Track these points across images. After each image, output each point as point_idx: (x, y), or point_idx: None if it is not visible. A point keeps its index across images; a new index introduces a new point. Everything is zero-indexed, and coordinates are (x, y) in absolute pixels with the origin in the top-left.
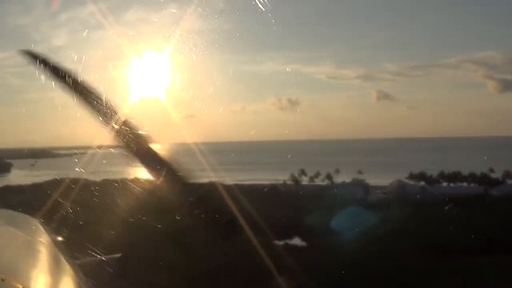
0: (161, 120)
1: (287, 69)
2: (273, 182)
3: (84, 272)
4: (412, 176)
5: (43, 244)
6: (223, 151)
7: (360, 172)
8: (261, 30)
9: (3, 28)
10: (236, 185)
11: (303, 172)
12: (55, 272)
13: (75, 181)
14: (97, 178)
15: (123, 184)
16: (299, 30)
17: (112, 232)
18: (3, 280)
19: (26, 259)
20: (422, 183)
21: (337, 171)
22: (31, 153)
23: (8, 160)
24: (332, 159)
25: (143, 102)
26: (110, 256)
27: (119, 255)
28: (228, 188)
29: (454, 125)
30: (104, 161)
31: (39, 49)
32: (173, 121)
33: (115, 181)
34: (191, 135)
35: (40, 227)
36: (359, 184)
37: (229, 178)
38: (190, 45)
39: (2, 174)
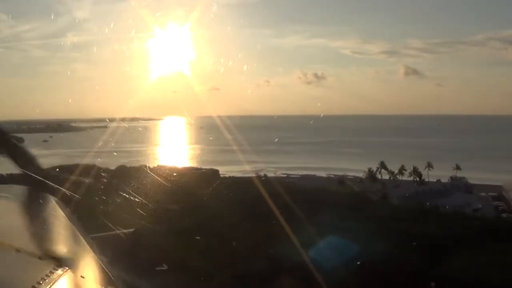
0: (185, 93)
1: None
2: (337, 174)
3: (100, 245)
4: None
5: (58, 218)
6: (252, 127)
7: (458, 168)
8: (285, 4)
9: (27, 1)
10: (287, 180)
11: (383, 166)
12: (70, 244)
13: (85, 168)
14: (112, 165)
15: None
16: (322, 4)
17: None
18: (18, 251)
19: (41, 232)
20: None
21: (430, 165)
22: (47, 127)
23: (20, 135)
24: (380, 139)
25: (166, 75)
26: (124, 230)
27: (132, 230)
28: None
29: (486, 103)
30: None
31: (63, 21)
32: (198, 94)
33: (134, 169)
34: (216, 109)
35: (55, 203)
36: (461, 185)
37: (273, 166)
38: (213, 18)
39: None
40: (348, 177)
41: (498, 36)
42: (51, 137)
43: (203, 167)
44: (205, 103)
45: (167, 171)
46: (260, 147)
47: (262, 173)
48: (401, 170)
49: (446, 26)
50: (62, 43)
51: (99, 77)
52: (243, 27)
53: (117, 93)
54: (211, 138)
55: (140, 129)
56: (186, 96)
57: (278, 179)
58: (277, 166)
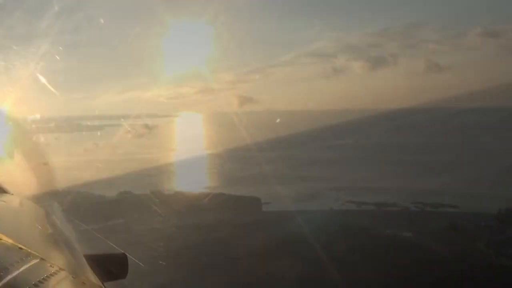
0: (202, 88)
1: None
2: (424, 202)
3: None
4: None
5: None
6: (274, 124)
7: None
8: None
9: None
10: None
11: None
12: (46, 236)
13: (78, 197)
14: (112, 192)
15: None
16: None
17: None
18: None
19: (14, 224)
20: None
21: None
22: (56, 126)
23: None
24: (431, 141)
25: (181, 68)
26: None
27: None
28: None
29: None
30: (137, 137)
31: (75, 18)
32: (215, 88)
33: (140, 200)
34: (235, 104)
35: (56, 209)
36: None
37: (328, 186)
38: (230, 11)
39: None
40: (446, 209)
41: None
42: (56, 139)
43: (235, 192)
44: (223, 98)
45: (186, 202)
46: (293, 152)
47: (325, 205)
48: None
49: (458, 16)
50: (75, 38)
51: (113, 71)
52: (259, 20)
53: (132, 88)
54: (233, 140)
55: (155, 128)
56: (204, 91)
57: (355, 220)
58: (333, 186)
